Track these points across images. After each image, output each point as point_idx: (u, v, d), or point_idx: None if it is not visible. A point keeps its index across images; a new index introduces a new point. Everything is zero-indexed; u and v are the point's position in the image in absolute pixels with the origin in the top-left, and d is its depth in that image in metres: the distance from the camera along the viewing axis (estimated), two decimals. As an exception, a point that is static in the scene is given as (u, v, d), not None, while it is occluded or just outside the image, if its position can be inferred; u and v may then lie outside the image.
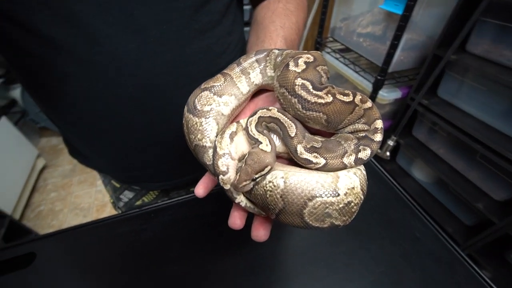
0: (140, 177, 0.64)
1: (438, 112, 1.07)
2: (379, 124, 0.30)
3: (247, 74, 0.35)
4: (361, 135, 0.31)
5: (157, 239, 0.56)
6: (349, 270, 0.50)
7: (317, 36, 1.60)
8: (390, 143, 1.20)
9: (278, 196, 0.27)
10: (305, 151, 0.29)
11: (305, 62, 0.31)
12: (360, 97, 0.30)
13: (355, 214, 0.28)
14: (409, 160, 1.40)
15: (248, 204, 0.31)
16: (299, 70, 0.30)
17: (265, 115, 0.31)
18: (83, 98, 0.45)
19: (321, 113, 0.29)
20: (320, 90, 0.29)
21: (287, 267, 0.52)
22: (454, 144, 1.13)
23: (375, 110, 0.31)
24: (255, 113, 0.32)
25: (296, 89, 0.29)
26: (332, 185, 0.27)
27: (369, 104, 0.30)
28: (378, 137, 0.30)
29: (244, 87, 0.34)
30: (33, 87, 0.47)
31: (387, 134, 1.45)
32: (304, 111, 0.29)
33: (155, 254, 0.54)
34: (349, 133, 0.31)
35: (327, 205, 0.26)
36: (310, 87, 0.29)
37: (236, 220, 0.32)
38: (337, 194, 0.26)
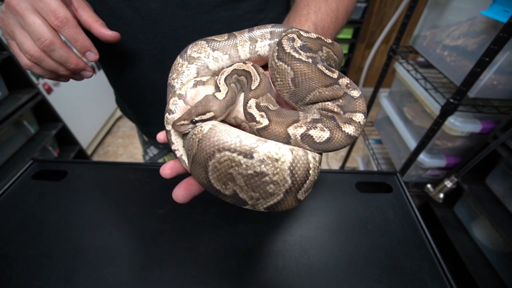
0: (157, 133, 0.70)
1: (531, 162, 0.80)
2: (359, 117, 0.24)
3: (254, 42, 0.33)
4: (328, 114, 0.25)
5: (154, 194, 0.62)
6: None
7: (393, 43, 1.40)
8: (448, 184, 0.96)
9: (197, 140, 0.24)
10: (255, 106, 0.25)
11: (318, 37, 0.28)
12: (348, 82, 0.25)
13: (273, 198, 0.23)
14: (471, 213, 1.10)
15: (183, 157, 0.30)
16: (304, 34, 0.27)
17: (239, 68, 0.29)
18: (113, 47, 0.49)
19: (289, 68, 0.25)
20: (305, 52, 0.26)
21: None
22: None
23: (362, 103, 0.24)
24: (231, 65, 0.30)
25: (283, 39, 0.27)
26: (251, 145, 0.22)
27: (355, 93, 0.24)
28: (349, 129, 0.23)
29: (244, 53, 0.33)
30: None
31: (447, 172, 1.18)
32: (276, 60, 0.26)
33: (146, 206, 0.59)
34: (317, 109, 0.26)
35: (233, 164, 0.22)
36: (298, 44, 0.26)
37: (166, 168, 0.31)
38: (250, 156, 0.22)
